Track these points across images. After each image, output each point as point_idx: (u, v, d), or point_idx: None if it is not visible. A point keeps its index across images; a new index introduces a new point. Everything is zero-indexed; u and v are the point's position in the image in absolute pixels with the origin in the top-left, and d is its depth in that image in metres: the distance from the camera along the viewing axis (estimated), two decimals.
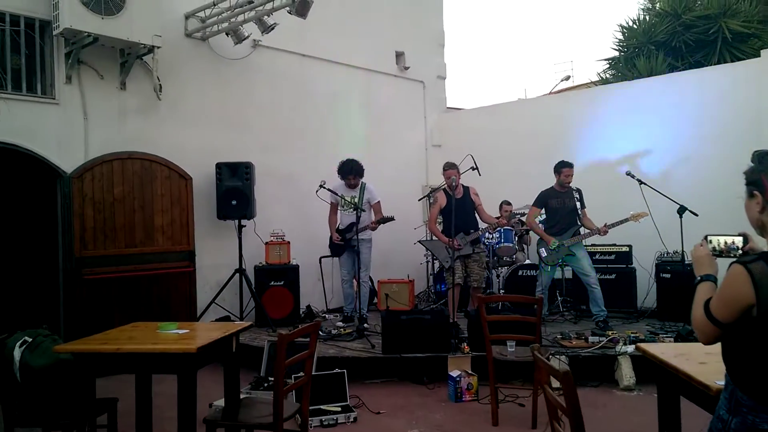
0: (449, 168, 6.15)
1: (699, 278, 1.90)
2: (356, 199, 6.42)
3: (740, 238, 1.93)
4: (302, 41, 7.64)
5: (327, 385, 4.54)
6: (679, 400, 2.54)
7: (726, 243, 1.94)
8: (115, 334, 3.41)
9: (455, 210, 5.76)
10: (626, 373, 4.96)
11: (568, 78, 18.48)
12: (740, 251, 1.93)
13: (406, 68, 8.99)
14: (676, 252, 6.23)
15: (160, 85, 6.35)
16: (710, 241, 1.96)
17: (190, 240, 6.51)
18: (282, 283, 6.70)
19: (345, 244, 6.43)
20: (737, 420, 1.70)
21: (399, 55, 8.96)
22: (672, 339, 5.35)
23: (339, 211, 6.58)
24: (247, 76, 7.20)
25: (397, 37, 8.95)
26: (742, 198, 5.95)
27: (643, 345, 2.65)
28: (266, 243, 6.81)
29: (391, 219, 6.31)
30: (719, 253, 1.93)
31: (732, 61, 8.90)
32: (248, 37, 6.70)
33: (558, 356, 4.94)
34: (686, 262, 5.80)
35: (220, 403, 4.33)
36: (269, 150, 7.29)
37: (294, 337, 3.05)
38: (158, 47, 5.97)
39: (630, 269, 6.86)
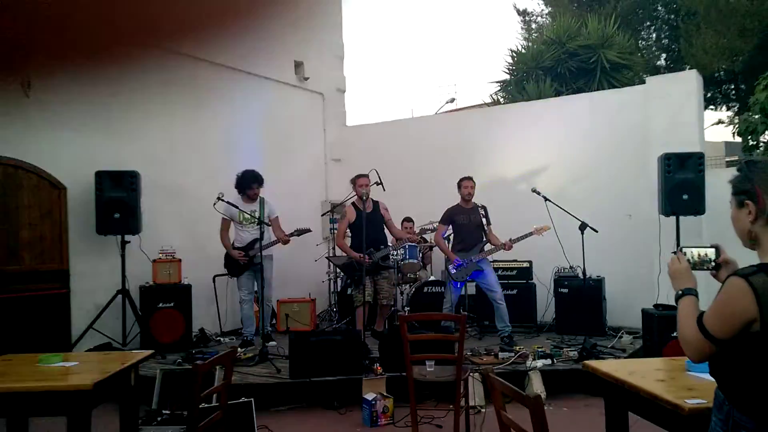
0: (361, 177, 5.99)
1: (680, 292, 1.84)
2: (257, 213, 6.10)
3: (713, 250, 1.91)
4: (197, 43, 7.16)
5: (232, 417, 4.14)
6: (627, 418, 2.50)
7: (700, 255, 1.90)
8: None
9: (365, 225, 5.58)
10: (537, 387, 5.02)
11: (452, 100, 19.17)
12: (713, 263, 1.90)
13: (306, 79, 8.76)
14: (577, 266, 6.46)
15: (29, 81, 5.64)
16: (685, 254, 1.91)
17: (63, 258, 5.82)
18: (172, 304, 6.16)
19: (249, 262, 6.05)
20: None
21: (298, 65, 8.71)
22: (576, 352, 5.50)
23: (234, 228, 6.19)
24: (133, 77, 6.60)
25: (296, 47, 8.71)
26: (630, 216, 6.26)
27: (591, 363, 2.61)
28: (154, 261, 6.25)
29: (308, 231, 6.11)
30: (693, 265, 1.89)
31: (609, 88, 9.56)
32: None
33: (472, 374, 4.88)
34: (587, 277, 6.01)
35: None
36: (157, 160, 6.72)
37: (209, 366, 2.70)
38: None
39: (530, 284, 7.06)
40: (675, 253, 1.94)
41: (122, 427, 3.11)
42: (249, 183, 6.12)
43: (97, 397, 2.65)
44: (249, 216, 6.12)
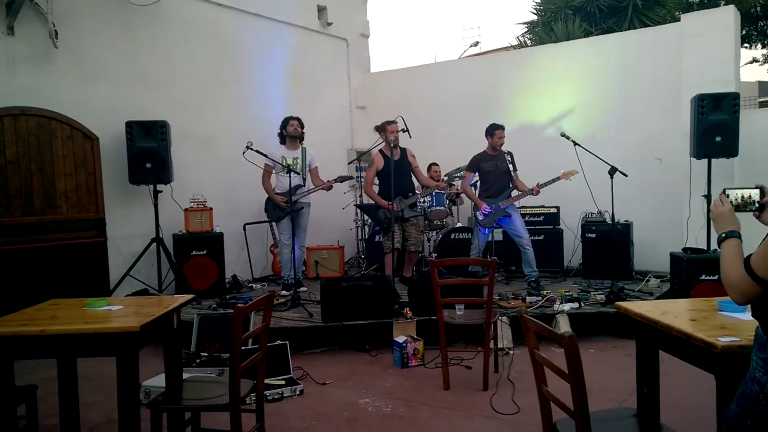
0: (391, 123, 5.98)
1: (723, 235, 1.82)
2: (298, 161, 6.22)
3: (757, 191, 1.89)
4: None
5: (269, 358, 4.29)
6: (658, 358, 2.55)
7: (743, 197, 1.89)
8: (32, 314, 2.99)
9: (393, 172, 5.59)
10: (564, 330, 5.08)
11: (476, 44, 18.72)
12: (757, 204, 1.89)
13: (329, 24, 8.62)
14: (605, 211, 6.43)
15: (55, 30, 5.65)
16: (728, 196, 1.89)
17: (99, 207, 5.94)
18: (205, 252, 6.33)
19: (290, 207, 6.14)
20: None
21: (321, 10, 8.56)
22: (603, 296, 5.54)
23: (275, 175, 6.27)
24: (157, 26, 6.59)
25: None
26: (660, 159, 6.22)
27: (623, 304, 2.64)
28: (186, 209, 6.38)
29: (350, 177, 6.24)
30: (736, 207, 1.88)
31: (641, 27, 9.25)
32: None
33: (500, 317, 4.96)
34: (615, 222, 5.98)
35: (152, 383, 4.01)
36: (185, 110, 6.77)
37: (251, 309, 2.79)
38: None
39: (557, 230, 7.07)
40: (718, 196, 1.92)
41: (167, 367, 3.25)
42: (286, 120, 6.27)
43: (143, 338, 2.77)
44: (291, 162, 6.18)
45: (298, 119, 6.33)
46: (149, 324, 2.76)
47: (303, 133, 6.32)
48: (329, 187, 6.13)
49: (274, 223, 6.49)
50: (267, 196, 6.28)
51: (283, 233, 6.27)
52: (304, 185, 6.12)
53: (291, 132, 6.22)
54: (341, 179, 6.17)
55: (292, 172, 5.95)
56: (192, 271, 6.24)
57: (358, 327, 5.08)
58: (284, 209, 6.16)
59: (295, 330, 5.03)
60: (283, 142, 6.27)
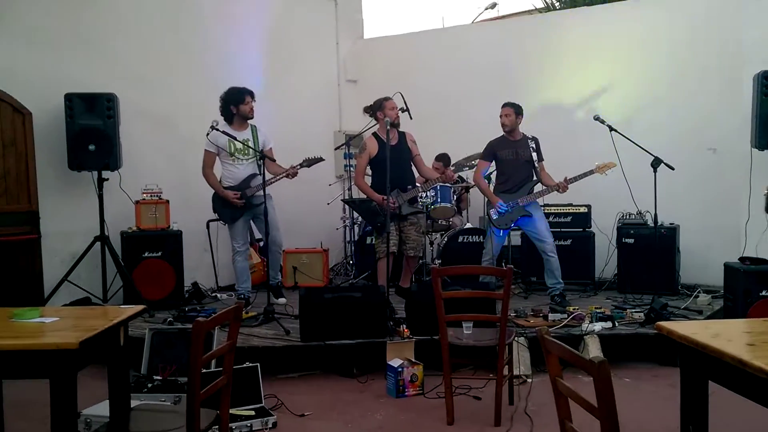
0: (389, 99, 6.00)
1: None
2: (250, 143, 6.16)
3: None
4: None
5: (236, 384, 4.29)
6: (707, 390, 2.56)
7: None
8: None
9: (390, 160, 5.60)
10: (594, 354, 5.09)
11: (494, 6, 18.71)
12: None
13: None
14: (646, 212, 6.45)
15: None
16: None
17: (31, 198, 5.93)
18: (159, 254, 6.33)
19: (245, 204, 6.13)
20: None
21: None
22: (642, 313, 5.56)
23: (222, 164, 6.27)
24: None
25: None
26: (714, 150, 6.25)
27: (666, 324, 2.64)
28: (137, 202, 6.38)
29: (320, 160, 6.14)
30: None
31: None
32: None
33: (516, 338, 4.98)
34: (658, 225, 6.00)
35: (93, 412, 4.01)
36: (138, 81, 6.75)
37: (214, 324, 2.79)
38: None
39: (588, 234, 7.09)
40: None
41: (111, 393, 3.22)
42: (242, 95, 6.11)
43: (83, 357, 2.76)
44: (242, 146, 6.13)
45: (251, 93, 6.21)
46: (90, 340, 2.74)
47: None
48: (293, 174, 6.09)
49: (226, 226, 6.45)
50: (213, 191, 6.26)
51: (236, 238, 6.28)
52: (260, 173, 6.02)
53: (246, 112, 6.15)
54: (308, 162, 6.11)
55: (245, 158, 6.02)
56: (144, 277, 6.22)
57: (345, 347, 5.07)
58: (238, 207, 6.14)
59: (268, 350, 5.02)
60: (229, 120, 6.21)
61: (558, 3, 12.08)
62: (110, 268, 6.17)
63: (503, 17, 15.59)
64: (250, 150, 6.11)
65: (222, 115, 6.19)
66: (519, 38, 8.36)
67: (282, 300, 6.35)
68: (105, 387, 3.27)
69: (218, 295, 6.98)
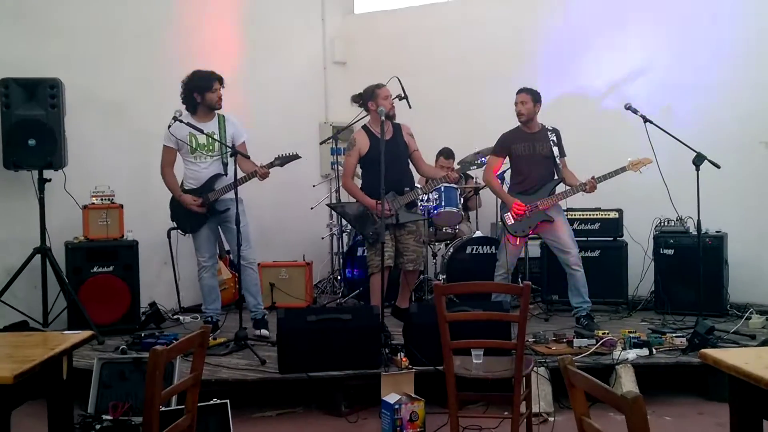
0: (382, 87, 5.99)
1: None
2: (216, 136, 6.09)
3: None
4: None
5: (201, 424, 4.27)
6: (762, 430, 2.55)
7: None
8: None
9: (384, 158, 5.59)
10: (628, 388, 5.09)
11: None
12: None
13: None
14: (688, 217, 6.46)
15: None
16: None
17: None
18: (111, 268, 6.34)
19: (208, 210, 6.08)
20: None
21: None
22: (685, 338, 5.56)
23: (183, 161, 6.23)
24: None
25: None
26: (766, 143, 6.26)
27: (712, 352, 2.63)
28: (85, 206, 6.37)
29: (296, 157, 6.06)
30: None
31: None
32: None
33: (536, 368, 4.96)
34: (702, 233, 6.00)
35: None
36: (87, 64, 6.77)
37: (176, 353, 2.77)
38: None
39: (620, 243, 7.10)
40: None
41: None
42: (209, 81, 6.03)
43: (19, 393, 2.75)
44: (206, 141, 6.08)
45: (219, 79, 6.12)
46: (28, 373, 2.73)
47: None
48: (263, 175, 6.02)
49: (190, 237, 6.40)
50: (172, 195, 6.20)
51: (201, 250, 6.23)
52: (226, 174, 5.99)
53: (212, 102, 6.08)
54: (281, 161, 6.02)
55: (210, 155, 5.99)
56: (92, 296, 6.21)
57: (331, 380, 5.06)
58: (200, 214, 6.08)
59: (240, 384, 5.02)
60: (192, 110, 6.14)
61: None
62: (52, 285, 6.16)
63: None
64: (216, 145, 6.07)
65: (184, 103, 6.13)
66: (537, 12, 8.37)
67: (264, 332, 6.16)
68: (44, 428, 3.26)
69: (181, 318, 6.95)
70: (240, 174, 6.01)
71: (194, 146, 6.06)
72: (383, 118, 5.76)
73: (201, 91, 6.05)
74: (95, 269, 6.28)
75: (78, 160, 6.35)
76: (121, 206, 6.46)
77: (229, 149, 5.94)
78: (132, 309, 6.37)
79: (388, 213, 5.81)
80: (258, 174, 5.98)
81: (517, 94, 6.28)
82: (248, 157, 6.11)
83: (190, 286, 7.33)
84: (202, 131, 5.99)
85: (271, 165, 6.00)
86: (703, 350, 2.73)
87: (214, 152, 6.10)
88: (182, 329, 6.51)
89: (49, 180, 6.13)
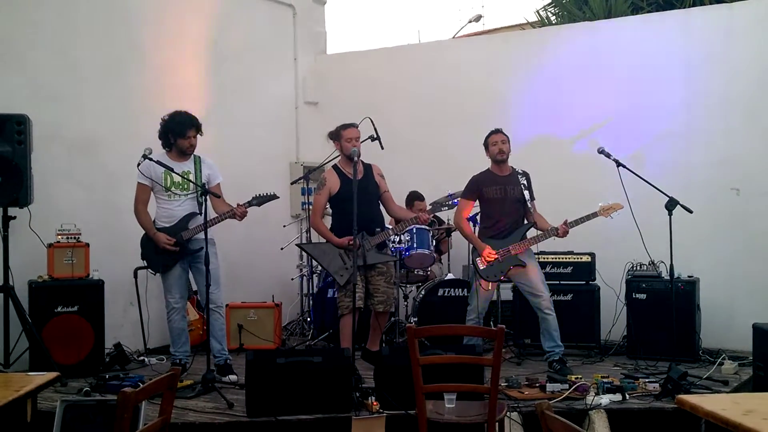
0: (349, 127, 6.04)
1: None
2: (191, 176, 6.11)
3: None
4: None
5: None
6: None
7: None
8: None
9: (355, 197, 5.60)
10: None
11: (479, 18, 19.09)
12: None
13: None
14: (660, 262, 6.53)
15: None
16: None
17: None
18: (76, 308, 6.28)
19: (181, 250, 6.06)
20: None
21: None
22: (658, 384, 5.59)
23: (157, 200, 6.24)
24: None
25: None
26: (738, 190, 6.36)
27: (688, 398, 2.65)
28: (50, 245, 6.32)
29: (273, 197, 6.12)
30: None
31: (707, 4, 9.53)
32: None
33: (509, 413, 4.96)
34: (674, 278, 6.05)
35: None
36: (54, 100, 6.75)
37: (143, 396, 2.74)
38: None
39: (592, 287, 7.15)
40: None
41: None
42: (183, 128, 6.04)
43: None
44: (181, 180, 6.09)
45: (196, 126, 6.12)
46: None
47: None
48: (242, 215, 6.03)
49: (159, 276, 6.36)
50: (144, 233, 6.17)
51: (171, 291, 6.19)
52: (201, 212, 5.94)
53: (184, 148, 6.10)
54: (259, 201, 6.07)
55: (184, 194, 5.99)
56: (56, 337, 6.14)
57: (301, 424, 5.02)
58: (172, 254, 6.07)
59: (208, 427, 4.97)
60: (167, 147, 6.18)
61: (554, 17, 12.32)
62: (14, 325, 6.07)
63: (489, 32, 15.91)
64: (191, 184, 6.07)
65: (160, 139, 6.16)
66: (508, 56, 8.51)
67: (233, 377, 6.07)
68: None
69: (147, 360, 6.87)
70: (214, 214, 6.03)
71: (168, 185, 6.05)
72: (356, 158, 5.80)
73: (175, 135, 6.09)
74: (59, 309, 6.21)
75: (43, 197, 6.28)
76: (87, 245, 6.42)
77: (199, 188, 5.93)
78: (96, 350, 6.31)
79: (358, 252, 5.77)
80: (236, 213, 5.99)
81: (494, 134, 6.33)
82: (220, 197, 6.15)
83: (156, 327, 7.26)
84: (172, 170, 5.99)
85: (249, 204, 6.04)
86: (680, 396, 2.75)
87: (189, 191, 6.10)
88: (148, 371, 6.43)
89: (14, 217, 6.06)
